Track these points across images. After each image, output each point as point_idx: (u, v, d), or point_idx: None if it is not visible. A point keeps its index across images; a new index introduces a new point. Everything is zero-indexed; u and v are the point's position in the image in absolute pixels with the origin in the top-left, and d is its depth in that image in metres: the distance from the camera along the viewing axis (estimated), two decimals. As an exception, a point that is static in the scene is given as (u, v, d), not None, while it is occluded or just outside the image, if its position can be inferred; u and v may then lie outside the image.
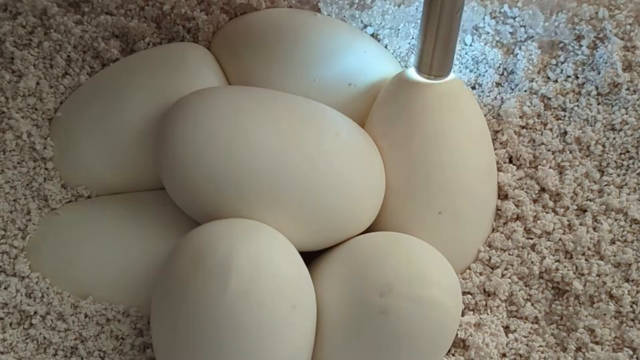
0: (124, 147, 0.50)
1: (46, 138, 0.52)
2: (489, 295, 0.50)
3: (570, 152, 0.53)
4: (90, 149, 0.51)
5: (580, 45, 0.55)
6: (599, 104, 0.54)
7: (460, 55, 0.56)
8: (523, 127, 0.54)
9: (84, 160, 0.51)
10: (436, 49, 0.47)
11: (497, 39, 0.56)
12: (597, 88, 0.54)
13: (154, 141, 0.48)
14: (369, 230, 0.49)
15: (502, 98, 0.54)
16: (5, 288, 0.48)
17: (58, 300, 0.48)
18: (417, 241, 0.47)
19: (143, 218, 0.49)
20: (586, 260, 0.49)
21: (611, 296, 0.49)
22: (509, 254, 0.50)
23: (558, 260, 0.50)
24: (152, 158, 0.49)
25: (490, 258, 0.50)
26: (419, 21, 0.55)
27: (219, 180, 0.45)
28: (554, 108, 0.54)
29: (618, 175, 0.52)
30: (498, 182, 0.52)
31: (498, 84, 0.55)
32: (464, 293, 0.49)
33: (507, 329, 0.49)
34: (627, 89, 0.53)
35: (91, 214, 0.50)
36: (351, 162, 0.47)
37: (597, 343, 0.48)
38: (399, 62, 0.56)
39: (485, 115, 0.54)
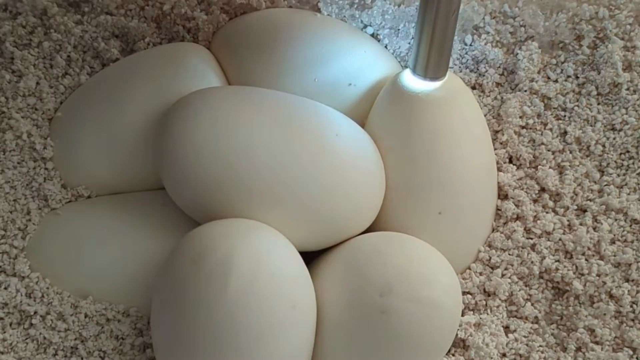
0: (124, 147, 0.50)
1: (46, 138, 0.52)
2: (489, 295, 0.50)
3: (570, 152, 0.53)
4: (90, 149, 0.51)
5: (581, 45, 0.55)
6: (599, 104, 0.54)
7: (460, 55, 0.56)
8: (523, 127, 0.54)
9: (84, 160, 0.51)
10: (431, 52, 0.47)
11: (498, 38, 0.56)
12: (597, 88, 0.54)
13: (154, 141, 0.48)
14: (369, 230, 0.49)
15: (502, 98, 0.54)
16: (5, 288, 0.48)
17: (58, 300, 0.48)
18: (417, 241, 0.47)
19: (143, 218, 0.49)
20: (586, 260, 0.49)
21: (611, 296, 0.49)
22: (509, 254, 0.50)
23: (558, 260, 0.50)
24: (152, 158, 0.49)
25: (490, 258, 0.50)
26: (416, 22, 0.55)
27: (219, 180, 0.45)
28: (554, 108, 0.54)
29: (618, 175, 0.52)
30: (498, 182, 0.52)
31: (498, 84, 0.55)
32: (464, 293, 0.49)
33: (507, 329, 0.49)
34: (627, 89, 0.53)
35: (91, 214, 0.50)
36: (351, 162, 0.47)
37: (597, 343, 0.48)
38: (399, 62, 0.56)
39: (485, 115, 0.54)
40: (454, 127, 0.49)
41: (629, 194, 0.51)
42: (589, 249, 0.50)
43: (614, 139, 0.53)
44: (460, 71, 0.55)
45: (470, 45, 0.56)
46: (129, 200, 0.51)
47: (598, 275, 0.49)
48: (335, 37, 0.54)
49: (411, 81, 0.49)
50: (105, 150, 0.51)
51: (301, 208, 0.46)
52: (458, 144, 0.49)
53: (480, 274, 0.50)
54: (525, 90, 0.54)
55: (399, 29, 0.56)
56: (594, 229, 0.50)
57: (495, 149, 0.53)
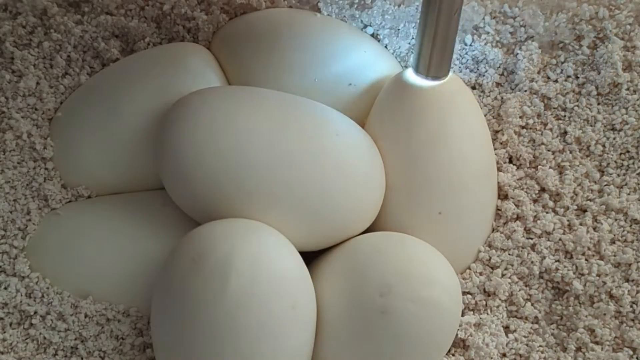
0: (124, 147, 0.50)
1: (46, 138, 0.52)
2: (489, 295, 0.50)
3: (570, 152, 0.53)
4: (90, 149, 0.51)
5: (581, 45, 0.55)
6: (599, 104, 0.54)
7: (460, 55, 0.56)
8: (523, 127, 0.54)
9: (84, 160, 0.51)
10: (434, 51, 0.47)
11: (497, 39, 0.56)
12: (597, 88, 0.54)
13: (154, 141, 0.48)
14: (369, 230, 0.49)
15: (502, 98, 0.54)
16: (5, 288, 0.48)
17: (58, 300, 0.48)
18: (417, 241, 0.47)
19: (143, 218, 0.49)
20: (586, 260, 0.49)
21: (611, 296, 0.49)
22: (509, 254, 0.50)
23: (558, 260, 0.50)
24: (152, 158, 0.49)
25: (490, 258, 0.50)
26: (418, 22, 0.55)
27: (219, 180, 0.45)
28: (554, 108, 0.54)
29: (618, 175, 0.52)
30: (498, 182, 0.52)
31: (498, 84, 0.55)
32: (464, 293, 0.49)
33: (507, 329, 0.49)
34: (627, 89, 0.53)
35: (91, 214, 0.50)
36: (351, 162, 0.47)
37: (597, 343, 0.48)
38: (399, 62, 0.56)
39: (485, 115, 0.54)
40: (454, 127, 0.49)
41: (629, 194, 0.51)
42: (589, 249, 0.50)
43: (614, 139, 0.53)
44: (460, 71, 0.55)
45: (470, 45, 0.56)
46: (129, 200, 0.51)
47: (598, 275, 0.49)
48: (335, 37, 0.54)
49: (412, 81, 0.49)
50: (105, 150, 0.51)
51: (301, 208, 0.46)
52: (458, 144, 0.49)
53: (480, 274, 0.50)
54: (525, 90, 0.54)
55: (399, 29, 0.57)
56: (594, 229, 0.50)
57: (495, 149, 0.53)
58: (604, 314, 0.48)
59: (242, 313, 0.42)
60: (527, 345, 0.48)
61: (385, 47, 0.56)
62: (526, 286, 0.50)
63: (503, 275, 0.50)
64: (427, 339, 0.44)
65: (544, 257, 0.50)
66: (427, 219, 0.49)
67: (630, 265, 0.49)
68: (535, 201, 0.52)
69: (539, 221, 0.51)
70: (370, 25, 0.57)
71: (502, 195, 0.52)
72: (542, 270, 0.50)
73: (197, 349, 0.42)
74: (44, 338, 0.48)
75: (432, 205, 0.49)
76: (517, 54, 0.55)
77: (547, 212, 0.51)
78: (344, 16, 0.57)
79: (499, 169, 0.52)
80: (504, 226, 0.51)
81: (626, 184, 0.52)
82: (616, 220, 0.51)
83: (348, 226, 0.48)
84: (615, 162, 0.52)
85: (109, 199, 0.51)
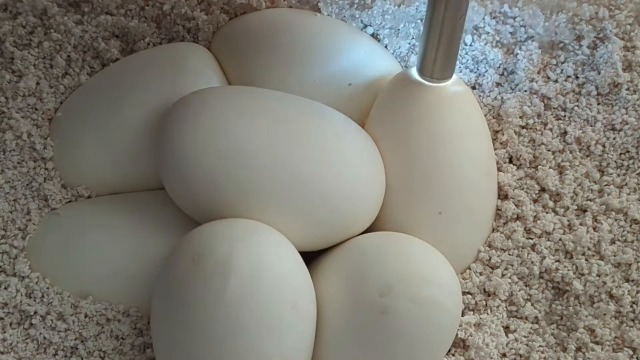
0: (124, 147, 0.50)
1: (46, 138, 0.52)
2: (489, 295, 0.50)
3: (570, 152, 0.53)
4: (90, 149, 0.51)
5: (580, 45, 0.55)
6: (599, 104, 0.54)
7: (460, 55, 0.56)
8: (523, 127, 0.54)
9: (84, 160, 0.51)
10: (439, 53, 0.47)
11: (497, 39, 0.56)
12: (597, 88, 0.54)
13: (154, 141, 0.48)
14: (369, 230, 0.49)
15: (502, 98, 0.54)
16: (5, 288, 0.48)
17: (58, 300, 0.48)
18: (417, 241, 0.47)
19: (143, 218, 0.49)
20: (586, 260, 0.49)
21: (611, 296, 0.49)
22: (509, 254, 0.50)
23: (558, 260, 0.50)
24: (152, 158, 0.49)
25: (490, 258, 0.50)
26: (419, 21, 0.55)
27: (219, 180, 0.45)
28: (554, 108, 0.54)
29: (618, 175, 0.52)
30: (498, 182, 0.52)
31: (498, 84, 0.55)
32: (464, 293, 0.49)
33: (507, 329, 0.49)
34: (627, 89, 0.53)
35: (91, 214, 0.50)
36: (351, 162, 0.47)
37: (597, 343, 0.48)
38: (399, 62, 0.56)
39: (485, 115, 0.54)
40: (454, 127, 0.49)
41: (629, 194, 0.51)
42: (589, 249, 0.50)
43: (614, 139, 0.53)
44: (460, 71, 0.55)
45: (470, 45, 0.56)
46: (129, 200, 0.51)
47: (598, 275, 0.49)
48: (335, 37, 0.54)
49: (411, 81, 0.49)
50: (105, 150, 0.51)
51: (301, 208, 0.46)
52: (458, 144, 0.49)
53: (480, 274, 0.50)
54: (525, 90, 0.54)
55: (399, 29, 0.56)
56: (594, 229, 0.50)
57: (495, 149, 0.53)
58: (604, 314, 0.48)
59: (242, 313, 0.42)
60: (527, 345, 0.48)
61: (385, 47, 0.56)
62: (526, 286, 0.50)
63: (503, 275, 0.50)
64: (427, 339, 0.44)
65: (544, 257, 0.50)
66: (427, 219, 0.49)
67: (630, 265, 0.49)
68: (535, 201, 0.52)
69: (539, 221, 0.51)
70: (370, 25, 0.57)
71: (502, 195, 0.52)
72: (542, 270, 0.50)
73: (197, 349, 0.42)
74: (44, 338, 0.48)
75: (432, 205, 0.49)
76: (517, 54, 0.55)
77: (547, 212, 0.51)
78: (344, 16, 0.57)
79: (499, 169, 0.52)
80: (504, 226, 0.51)
81: (626, 184, 0.52)
82: (616, 220, 0.51)
83: (348, 226, 0.48)
84: (615, 162, 0.52)
85: (109, 199, 0.51)
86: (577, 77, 0.55)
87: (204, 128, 0.46)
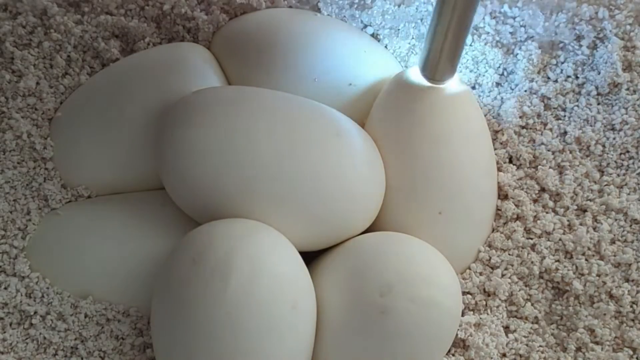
0: (124, 147, 0.50)
1: (46, 138, 0.52)
2: (489, 295, 0.50)
3: (570, 152, 0.53)
4: (90, 149, 0.51)
5: (580, 45, 0.55)
6: (598, 104, 0.54)
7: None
8: (523, 127, 0.54)
9: (84, 160, 0.51)
10: (442, 54, 0.46)
11: (497, 39, 0.56)
12: (597, 88, 0.54)
13: (154, 141, 0.48)
14: (369, 230, 0.49)
15: (502, 98, 0.54)
16: (5, 288, 0.48)
17: (58, 300, 0.48)
18: (417, 241, 0.47)
19: (143, 218, 0.49)
20: (586, 260, 0.49)
21: (611, 296, 0.49)
22: (509, 254, 0.50)
23: (558, 260, 0.50)
24: (152, 158, 0.49)
25: (490, 258, 0.50)
26: (419, 21, 0.55)
27: (219, 180, 0.45)
28: (554, 108, 0.54)
29: (618, 175, 0.52)
30: (498, 182, 0.52)
31: (498, 84, 0.55)
32: (464, 293, 0.49)
33: (507, 329, 0.49)
34: (627, 89, 0.53)
35: (91, 214, 0.50)
36: (351, 162, 0.47)
37: (597, 343, 0.48)
38: (399, 62, 0.56)
39: (485, 115, 0.53)
40: (454, 127, 0.49)
41: (629, 194, 0.51)
42: (589, 249, 0.50)
43: (614, 139, 0.53)
44: (460, 71, 0.55)
45: (470, 45, 0.56)
46: (129, 200, 0.51)
47: (598, 275, 0.49)
48: (335, 37, 0.54)
49: (411, 81, 0.49)
50: (105, 150, 0.51)
51: (301, 208, 0.46)
52: (458, 144, 0.49)
53: (480, 274, 0.50)
54: (525, 90, 0.54)
55: (399, 29, 0.56)
56: (594, 229, 0.50)
57: (495, 149, 0.53)
58: (604, 314, 0.48)
59: (242, 313, 0.42)
60: (527, 345, 0.48)
61: (385, 47, 0.56)
62: (526, 286, 0.50)
63: (503, 275, 0.50)
64: (427, 338, 0.44)
65: (544, 257, 0.50)
66: (427, 219, 0.49)
67: (630, 265, 0.49)
68: (535, 201, 0.52)
69: (539, 221, 0.51)
70: (370, 25, 0.57)
71: (502, 195, 0.52)
72: (542, 270, 0.50)
73: (197, 349, 0.42)
74: (44, 338, 0.48)
75: (432, 205, 0.49)
76: (517, 54, 0.55)
77: (547, 212, 0.51)
78: (344, 16, 0.57)
79: (499, 169, 0.52)
80: (504, 226, 0.51)
81: (626, 184, 0.52)
82: (616, 220, 0.51)
83: (348, 226, 0.48)
84: (615, 162, 0.52)
85: (109, 199, 0.51)
86: (577, 77, 0.55)
87: (204, 128, 0.46)
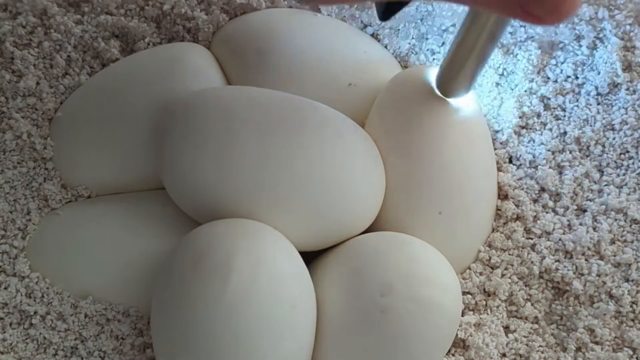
0: (124, 147, 0.50)
1: (46, 138, 0.52)
2: (489, 295, 0.50)
3: (570, 152, 0.53)
4: (90, 149, 0.51)
5: (580, 46, 0.55)
6: (598, 104, 0.54)
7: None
8: (523, 127, 0.54)
9: (84, 160, 0.51)
10: (462, 73, 0.46)
11: (497, 39, 0.56)
12: (596, 88, 0.54)
13: (154, 141, 0.48)
14: (369, 230, 0.49)
15: (501, 98, 0.54)
16: (5, 288, 0.48)
17: (58, 300, 0.48)
18: (417, 241, 0.47)
19: (143, 218, 0.49)
20: (586, 260, 0.49)
21: (611, 296, 0.49)
22: (509, 254, 0.50)
23: (558, 260, 0.50)
24: (152, 158, 0.49)
25: (490, 258, 0.50)
26: (419, 21, 0.55)
27: (218, 181, 0.45)
28: (554, 108, 0.54)
29: (618, 175, 0.52)
30: (498, 182, 0.52)
31: (497, 84, 0.55)
32: (464, 293, 0.49)
33: (507, 329, 0.49)
34: (627, 89, 0.53)
35: (91, 214, 0.50)
36: (351, 162, 0.47)
37: (597, 343, 0.48)
38: (399, 62, 0.56)
39: (485, 115, 0.54)
40: (454, 127, 0.49)
41: (628, 194, 0.51)
42: (588, 249, 0.50)
43: (614, 139, 0.53)
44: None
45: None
46: (129, 200, 0.51)
47: (598, 275, 0.49)
48: (335, 37, 0.54)
49: (411, 81, 0.49)
50: (105, 150, 0.51)
51: (301, 208, 0.46)
52: (458, 144, 0.49)
53: (480, 274, 0.50)
54: (525, 91, 0.54)
55: (399, 29, 0.56)
56: (594, 229, 0.50)
57: (495, 149, 0.53)
58: (604, 314, 0.48)
59: (242, 313, 0.42)
60: (527, 345, 0.48)
61: (385, 47, 0.56)
62: (526, 286, 0.50)
63: (503, 275, 0.50)
64: (427, 338, 0.44)
65: (544, 257, 0.50)
66: (427, 219, 0.49)
67: (630, 265, 0.49)
68: (535, 201, 0.52)
69: (538, 221, 0.51)
70: (370, 25, 0.57)
71: (502, 195, 0.52)
72: (542, 270, 0.50)
73: (197, 349, 0.42)
74: (44, 338, 0.48)
75: (432, 205, 0.49)
76: (517, 54, 0.55)
77: (547, 212, 0.51)
78: (344, 16, 0.57)
79: (499, 169, 0.52)
80: (504, 226, 0.51)
81: (626, 184, 0.52)
82: (616, 220, 0.51)
83: (348, 226, 0.48)
84: (615, 162, 0.52)
85: (109, 199, 0.51)
86: (576, 77, 0.55)
87: (203, 128, 0.46)
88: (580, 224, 0.50)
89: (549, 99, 0.54)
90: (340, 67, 0.52)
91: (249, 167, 0.45)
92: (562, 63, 0.55)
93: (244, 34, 0.54)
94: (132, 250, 0.48)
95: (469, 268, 0.50)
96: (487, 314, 0.49)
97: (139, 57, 0.54)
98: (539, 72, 0.55)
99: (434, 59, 0.56)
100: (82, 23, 0.55)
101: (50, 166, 0.51)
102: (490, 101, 0.54)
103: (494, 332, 0.48)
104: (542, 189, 0.52)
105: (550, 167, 0.52)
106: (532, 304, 0.49)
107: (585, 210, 0.51)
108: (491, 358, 0.47)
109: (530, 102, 0.54)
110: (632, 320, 0.48)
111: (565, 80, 0.54)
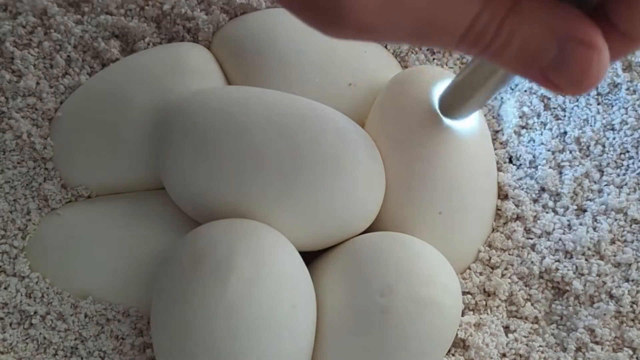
0: (124, 147, 0.50)
1: (46, 138, 0.52)
2: (489, 295, 0.50)
3: (570, 152, 0.53)
4: (90, 149, 0.51)
5: (580, 46, 0.55)
6: (598, 103, 0.54)
7: (460, 56, 0.56)
8: (523, 127, 0.54)
9: (84, 160, 0.51)
10: (470, 100, 0.45)
11: (497, 39, 0.56)
12: (596, 88, 0.54)
13: (154, 141, 0.48)
14: (369, 230, 0.49)
15: (502, 98, 0.54)
16: (5, 288, 0.48)
17: (58, 300, 0.48)
18: (417, 241, 0.47)
19: (143, 218, 0.49)
20: (586, 260, 0.49)
21: (611, 296, 0.49)
22: (509, 254, 0.50)
23: (558, 260, 0.50)
24: (152, 158, 0.49)
25: (490, 258, 0.50)
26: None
27: (218, 181, 0.45)
28: (554, 108, 0.54)
29: (618, 175, 0.52)
30: (498, 182, 0.52)
31: (498, 84, 0.55)
32: (464, 293, 0.49)
33: (507, 329, 0.49)
34: (627, 89, 0.53)
35: (91, 214, 0.50)
36: (351, 162, 0.47)
37: (597, 343, 0.48)
38: (399, 62, 0.56)
39: (485, 115, 0.54)
40: (454, 127, 0.49)
41: (628, 194, 0.51)
42: (589, 249, 0.50)
43: (614, 139, 0.53)
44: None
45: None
46: (129, 200, 0.51)
47: (598, 275, 0.49)
48: (335, 37, 0.54)
49: (411, 81, 0.49)
50: (105, 150, 0.50)
51: (301, 208, 0.46)
52: (458, 143, 0.49)
53: (480, 274, 0.50)
54: (525, 90, 0.54)
55: (398, 29, 0.56)
56: (594, 229, 0.50)
57: (495, 149, 0.53)
58: (604, 314, 0.48)
59: (242, 313, 0.42)
60: (527, 345, 0.48)
61: (385, 47, 0.56)
62: (526, 286, 0.50)
63: (503, 275, 0.50)
64: (427, 338, 0.44)
65: (544, 257, 0.50)
66: (427, 219, 0.49)
67: (630, 265, 0.49)
68: (535, 201, 0.52)
69: (539, 221, 0.51)
70: (370, 25, 0.57)
71: (502, 195, 0.52)
72: (542, 270, 0.50)
73: (197, 349, 0.42)
74: (44, 338, 0.48)
75: (432, 205, 0.49)
76: (517, 54, 0.55)
77: (547, 212, 0.51)
78: (344, 16, 0.56)
79: (499, 169, 0.52)
80: (504, 226, 0.51)
81: (626, 184, 0.52)
82: (616, 220, 0.51)
83: (348, 226, 0.48)
84: (615, 162, 0.52)
85: (109, 199, 0.51)
86: (576, 77, 0.54)
87: (203, 128, 0.46)
88: (580, 224, 0.50)
89: (549, 98, 0.54)
90: (340, 67, 0.52)
91: (248, 167, 0.45)
92: (562, 63, 0.55)
93: (244, 34, 0.54)
94: (132, 250, 0.48)
95: (469, 268, 0.50)
96: (487, 314, 0.49)
97: (139, 57, 0.54)
98: (539, 72, 0.55)
99: (434, 59, 0.56)
100: (82, 23, 0.55)
101: (50, 166, 0.51)
102: (490, 101, 0.54)
103: (494, 332, 0.48)
104: (542, 189, 0.52)
105: (550, 167, 0.52)
106: (532, 304, 0.49)
107: (585, 210, 0.51)
108: (491, 358, 0.47)
109: (530, 102, 0.54)
110: (632, 320, 0.48)
111: (566, 80, 0.54)
